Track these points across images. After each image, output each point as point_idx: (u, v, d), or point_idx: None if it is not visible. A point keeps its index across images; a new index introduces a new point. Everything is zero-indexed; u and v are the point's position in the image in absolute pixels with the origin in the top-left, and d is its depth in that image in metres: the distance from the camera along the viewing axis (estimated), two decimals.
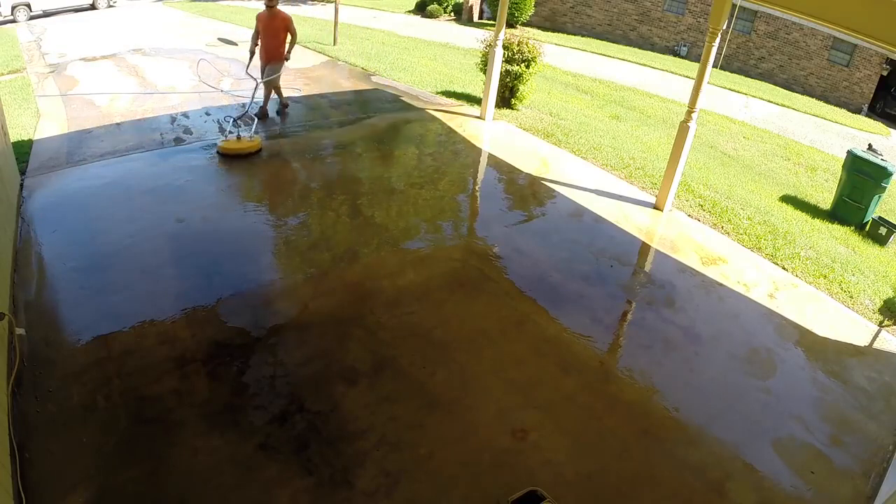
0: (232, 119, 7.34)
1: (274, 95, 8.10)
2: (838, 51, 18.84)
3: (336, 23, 12.97)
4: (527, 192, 6.79)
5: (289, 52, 7.68)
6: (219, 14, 17.12)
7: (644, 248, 5.85)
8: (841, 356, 4.60)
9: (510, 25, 19.39)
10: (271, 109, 8.22)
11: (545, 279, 5.03)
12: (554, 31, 22.23)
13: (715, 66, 12.33)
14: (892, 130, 17.02)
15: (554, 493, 2.99)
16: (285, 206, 5.78)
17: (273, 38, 7.50)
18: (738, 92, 16.95)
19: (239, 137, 6.77)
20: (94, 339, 3.83)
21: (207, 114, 8.03)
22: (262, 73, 7.65)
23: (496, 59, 8.12)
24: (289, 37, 7.58)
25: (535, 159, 7.53)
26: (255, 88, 7.66)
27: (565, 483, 3.16)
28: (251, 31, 7.76)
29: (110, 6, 18.69)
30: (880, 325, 5.09)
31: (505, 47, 8.57)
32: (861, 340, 4.83)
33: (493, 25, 15.40)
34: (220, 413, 3.36)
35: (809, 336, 4.78)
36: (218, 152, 6.64)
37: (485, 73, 8.53)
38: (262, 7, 7.55)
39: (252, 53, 7.66)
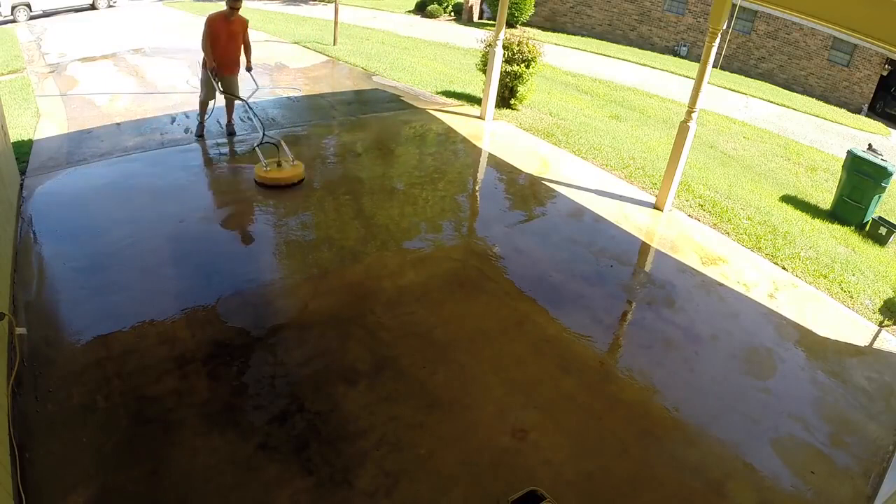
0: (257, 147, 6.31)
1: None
2: (838, 51, 18.83)
3: (336, 23, 12.97)
4: (527, 192, 6.79)
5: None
6: None
7: (644, 247, 5.85)
8: (841, 356, 4.60)
9: (510, 25, 19.38)
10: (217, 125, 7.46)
11: (545, 279, 5.03)
12: (554, 31, 22.22)
13: (715, 66, 12.34)
14: (892, 130, 17.01)
15: (554, 492, 2.99)
16: (285, 206, 5.77)
17: (236, 44, 6.68)
18: (738, 92, 16.94)
19: (279, 164, 6.01)
20: (94, 338, 3.83)
21: None
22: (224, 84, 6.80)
23: (496, 59, 8.12)
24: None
25: (535, 159, 7.53)
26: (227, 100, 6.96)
27: (565, 483, 3.16)
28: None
29: (110, 6, 18.70)
30: (880, 325, 5.09)
31: (505, 47, 8.56)
32: (861, 340, 4.83)
33: (493, 25, 15.40)
34: (220, 413, 3.36)
35: (809, 336, 4.78)
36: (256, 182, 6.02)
37: (485, 73, 8.53)
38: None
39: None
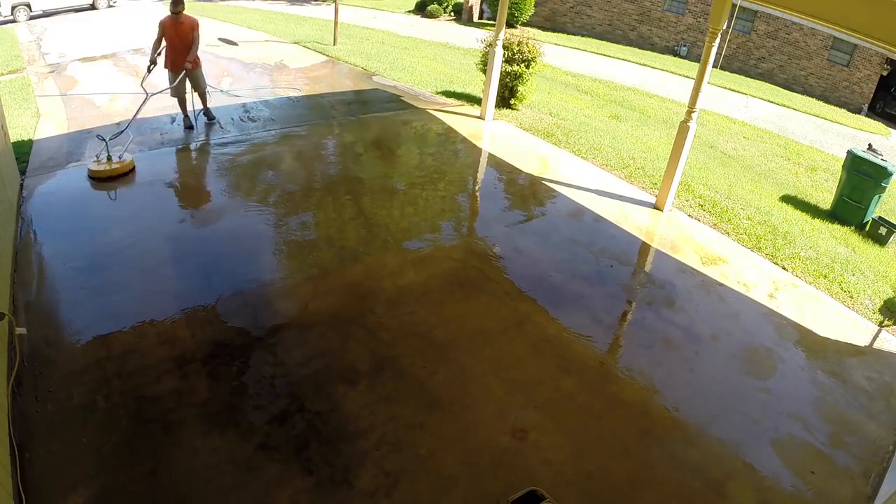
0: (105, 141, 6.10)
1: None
2: (838, 51, 18.82)
3: (336, 23, 12.97)
4: (527, 192, 6.79)
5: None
6: (219, 14, 17.10)
7: (644, 247, 5.85)
8: (841, 356, 4.60)
9: (510, 25, 19.37)
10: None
11: (545, 279, 5.03)
12: (554, 31, 22.21)
13: (715, 66, 12.33)
14: (892, 130, 17.01)
15: (554, 492, 2.99)
16: (285, 206, 5.78)
17: (183, 44, 7.01)
18: (738, 92, 16.94)
19: (109, 159, 5.97)
20: (94, 338, 3.83)
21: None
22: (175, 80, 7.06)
23: (496, 59, 8.12)
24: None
25: (535, 159, 7.53)
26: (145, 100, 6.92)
27: (565, 483, 3.16)
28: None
29: (110, 6, 18.68)
30: (880, 325, 5.09)
31: (505, 47, 8.56)
32: (861, 340, 4.83)
33: (493, 25, 15.40)
34: (220, 413, 3.36)
35: (809, 336, 4.78)
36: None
37: (485, 73, 8.53)
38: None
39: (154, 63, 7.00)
